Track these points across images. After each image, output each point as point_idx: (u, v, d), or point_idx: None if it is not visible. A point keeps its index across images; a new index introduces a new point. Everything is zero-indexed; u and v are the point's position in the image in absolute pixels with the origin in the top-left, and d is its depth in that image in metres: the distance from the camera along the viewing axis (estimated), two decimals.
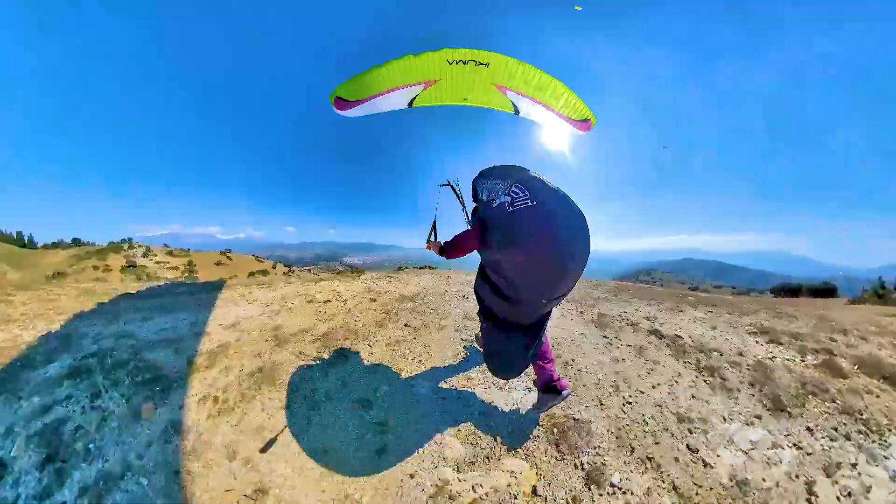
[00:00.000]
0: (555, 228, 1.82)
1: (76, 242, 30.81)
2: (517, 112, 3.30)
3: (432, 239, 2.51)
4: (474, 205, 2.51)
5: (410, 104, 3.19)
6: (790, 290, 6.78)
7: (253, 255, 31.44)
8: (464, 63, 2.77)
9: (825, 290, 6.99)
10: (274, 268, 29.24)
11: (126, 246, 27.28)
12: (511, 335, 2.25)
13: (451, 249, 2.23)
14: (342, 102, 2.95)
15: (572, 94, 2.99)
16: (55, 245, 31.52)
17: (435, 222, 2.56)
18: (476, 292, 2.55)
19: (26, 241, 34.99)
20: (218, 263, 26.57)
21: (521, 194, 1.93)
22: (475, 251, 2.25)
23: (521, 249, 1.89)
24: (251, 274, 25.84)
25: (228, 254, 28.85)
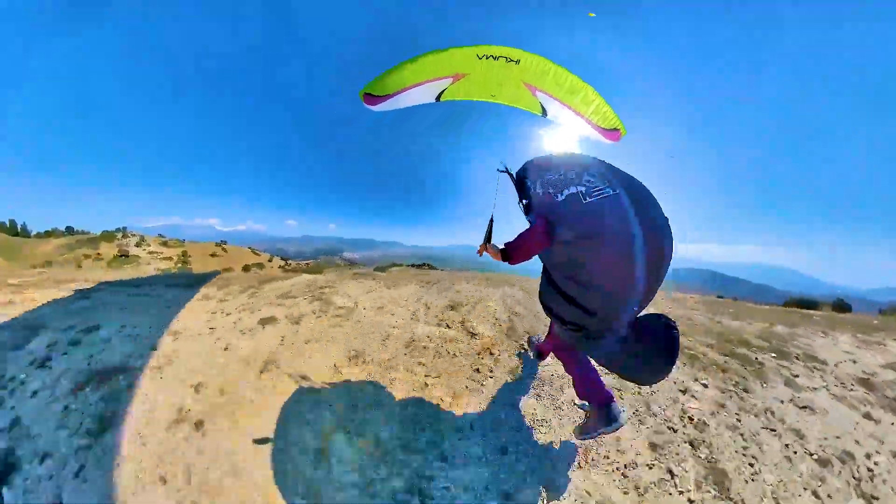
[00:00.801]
0: (642, 220, 1.57)
1: (69, 231, 30.25)
2: (545, 114, 3.23)
3: (490, 241, 2.12)
4: (525, 201, 2.16)
5: (438, 98, 3.17)
6: (807, 305, 6.84)
7: (249, 248, 30.90)
8: (494, 59, 2.76)
9: (839, 307, 7.03)
10: (270, 261, 28.72)
11: (119, 235, 26.73)
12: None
13: (515, 252, 1.93)
14: (371, 98, 2.92)
15: (603, 102, 2.94)
16: (48, 234, 30.95)
17: (492, 220, 2.22)
18: (542, 302, 2.08)
19: (20, 229, 34.45)
20: (213, 255, 26.04)
21: (597, 182, 1.71)
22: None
23: (601, 245, 1.61)
24: (246, 267, 25.31)
25: (224, 245, 28.30)
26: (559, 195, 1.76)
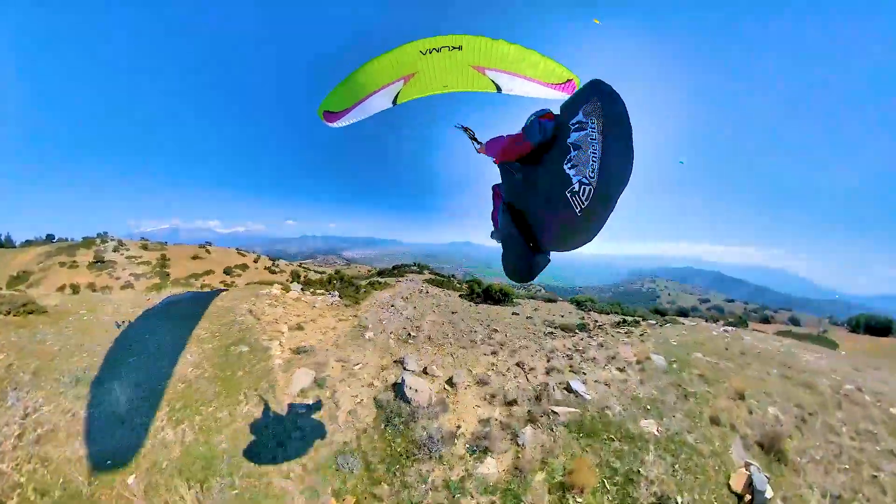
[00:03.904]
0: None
1: (49, 239, 29.46)
2: (499, 90, 3.34)
3: (477, 145, 2.96)
4: (553, 114, 2.31)
5: (394, 102, 3.27)
6: (878, 329, 5.44)
7: (236, 249, 30.01)
8: (437, 51, 2.87)
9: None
10: (256, 262, 27.90)
11: (98, 241, 25.94)
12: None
13: (493, 146, 2.62)
14: (331, 115, 3.09)
15: (549, 60, 3.05)
16: (29, 243, 30.14)
17: (465, 128, 3.17)
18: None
19: (3, 239, 33.66)
20: (195, 257, 25.21)
21: (587, 178, 1.91)
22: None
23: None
24: (228, 269, 24.49)
25: (207, 247, 27.45)
26: (580, 150, 1.96)
